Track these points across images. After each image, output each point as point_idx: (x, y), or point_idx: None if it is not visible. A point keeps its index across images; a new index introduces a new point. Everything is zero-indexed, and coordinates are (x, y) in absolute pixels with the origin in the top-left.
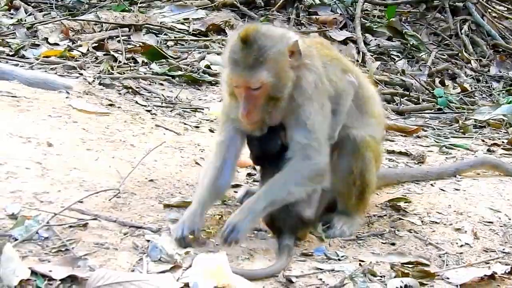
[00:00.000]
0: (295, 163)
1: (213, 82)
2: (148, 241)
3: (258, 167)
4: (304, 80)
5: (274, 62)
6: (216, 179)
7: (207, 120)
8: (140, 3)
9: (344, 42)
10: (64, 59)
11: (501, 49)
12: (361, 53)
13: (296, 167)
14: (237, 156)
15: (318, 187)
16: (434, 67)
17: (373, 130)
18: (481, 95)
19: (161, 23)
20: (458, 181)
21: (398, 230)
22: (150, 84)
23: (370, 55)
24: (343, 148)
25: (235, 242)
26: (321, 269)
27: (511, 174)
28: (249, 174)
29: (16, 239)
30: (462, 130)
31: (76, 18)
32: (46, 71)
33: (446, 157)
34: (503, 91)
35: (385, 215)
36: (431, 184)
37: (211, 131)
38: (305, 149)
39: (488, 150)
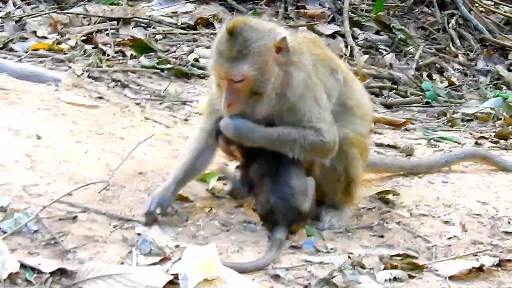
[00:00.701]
0: (301, 134)
1: (202, 76)
2: (139, 234)
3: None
4: (293, 79)
5: (258, 56)
6: (195, 158)
7: (196, 113)
8: None
9: (332, 36)
10: (52, 52)
11: (488, 43)
12: (349, 46)
13: (301, 137)
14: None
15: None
16: (421, 61)
17: (358, 126)
18: (469, 89)
19: (149, 16)
20: (446, 173)
21: (386, 223)
22: (139, 77)
23: (358, 49)
24: None
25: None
26: (310, 261)
27: (500, 166)
28: (238, 167)
29: (5, 232)
30: (450, 123)
31: (65, 11)
32: (35, 64)
33: (434, 150)
34: (491, 85)
35: (374, 208)
36: (419, 177)
37: None
38: (309, 130)
39: (476, 143)
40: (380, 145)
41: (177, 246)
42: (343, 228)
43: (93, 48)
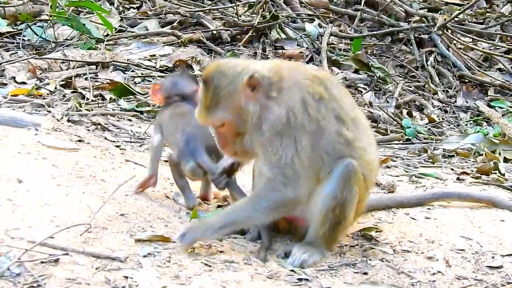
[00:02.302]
0: (260, 192)
1: None
2: (126, 277)
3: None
4: (271, 113)
5: (230, 101)
6: None
7: None
8: (107, 40)
9: None
10: (32, 98)
11: (467, 80)
12: None
13: (261, 196)
14: None
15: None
16: (401, 98)
17: (365, 169)
18: (449, 125)
19: (128, 60)
20: (429, 209)
21: (370, 259)
22: (118, 120)
23: None
24: (336, 172)
25: (179, 247)
26: None
27: None
28: (219, 206)
29: None
30: (431, 160)
31: (43, 56)
32: (14, 110)
33: (416, 186)
34: (471, 121)
35: (357, 245)
36: (402, 213)
37: None
38: (270, 182)
39: (458, 179)
40: None
41: (160, 287)
42: (326, 265)
43: (72, 92)
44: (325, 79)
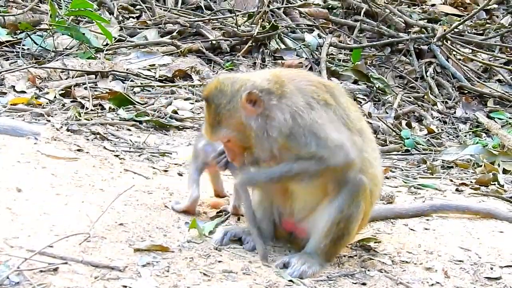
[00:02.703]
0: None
1: (180, 127)
2: (125, 287)
3: None
4: (276, 121)
5: (231, 119)
6: None
7: (175, 164)
8: (106, 50)
9: None
10: (31, 107)
11: (466, 91)
12: None
13: (312, 168)
14: None
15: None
16: (400, 109)
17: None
18: (448, 136)
19: (127, 69)
20: (428, 220)
21: (368, 270)
22: (117, 130)
23: None
24: (345, 186)
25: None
26: None
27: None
28: (218, 216)
29: None
30: (430, 171)
31: (43, 66)
32: (14, 119)
33: (415, 197)
34: (470, 133)
35: (356, 255)
36: (401, 224)
37: (180, 174)
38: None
39: (457, 190)
40: None
41: None
42: (325, 276)
43: (71, 101)
44: (332, 87)
